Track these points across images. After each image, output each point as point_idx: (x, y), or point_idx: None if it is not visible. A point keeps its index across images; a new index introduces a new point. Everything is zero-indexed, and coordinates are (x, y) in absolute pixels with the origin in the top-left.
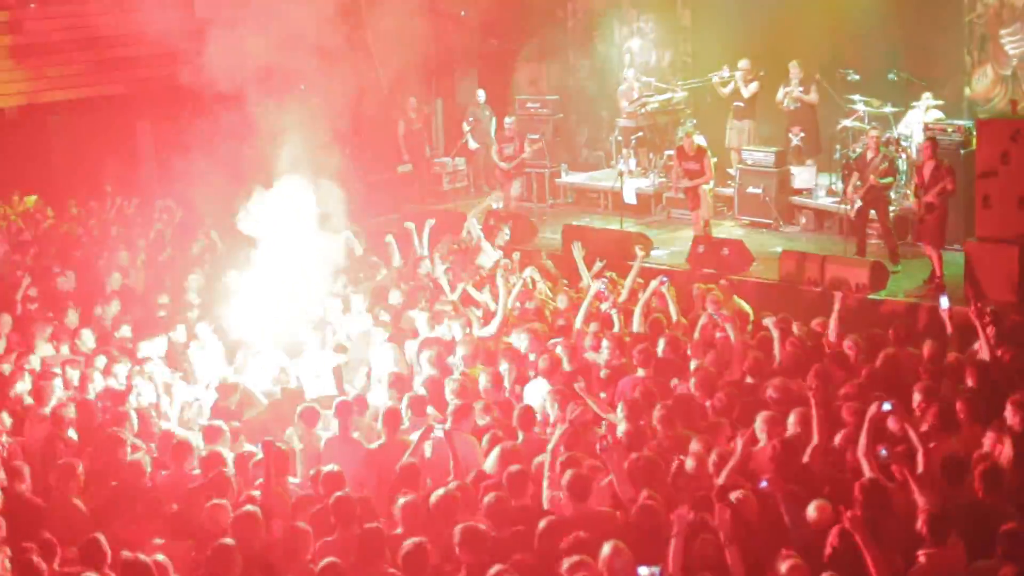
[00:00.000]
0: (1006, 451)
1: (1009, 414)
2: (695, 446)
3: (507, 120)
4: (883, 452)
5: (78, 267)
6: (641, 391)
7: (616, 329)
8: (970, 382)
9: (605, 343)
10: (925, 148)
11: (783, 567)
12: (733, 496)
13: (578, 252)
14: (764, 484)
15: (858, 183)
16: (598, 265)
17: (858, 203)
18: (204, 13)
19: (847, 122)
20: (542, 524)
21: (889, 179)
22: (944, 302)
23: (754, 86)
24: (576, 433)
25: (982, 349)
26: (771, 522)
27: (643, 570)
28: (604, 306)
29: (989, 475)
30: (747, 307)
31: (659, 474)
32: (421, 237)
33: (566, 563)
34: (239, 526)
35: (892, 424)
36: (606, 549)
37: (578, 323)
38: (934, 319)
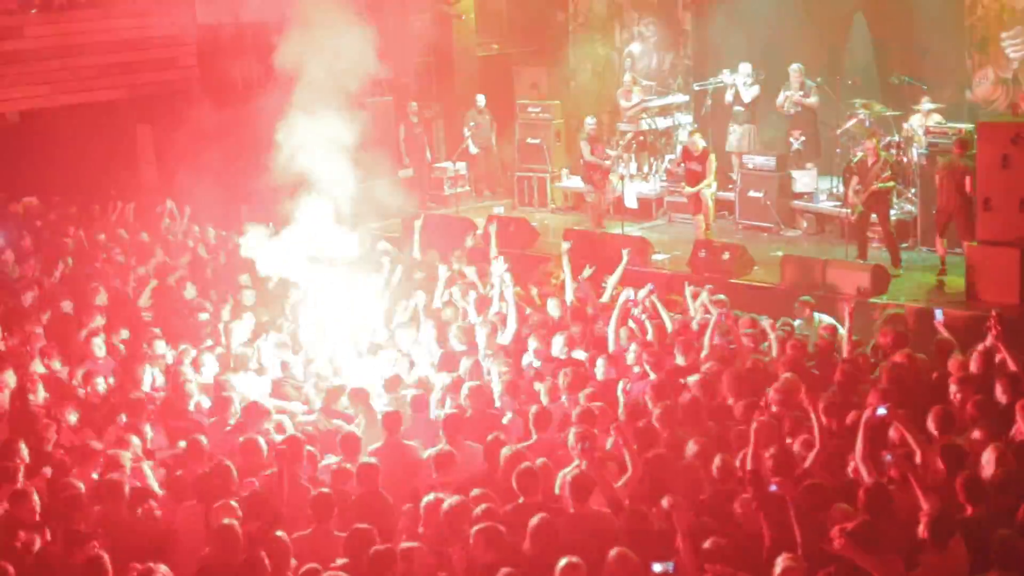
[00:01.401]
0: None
1: (1019, 420)
2: (692, 448)
3: (588, 120)
4: (888, 457)
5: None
6: (651, 393)
7: (651, 336)
8: (1003, 398)
9: (633, 347)
10: (955, 148)
11: (779, 568)
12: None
13: (565, 251)
14: (774, 488)
15: (858, 187)
16: (588, 271)
17: (859, 208)
18: (206, 18)
19: (848, 125)
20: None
21: (891, 183)
22: (939, 315)
23: (755, 90)
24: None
25: (1005, 360)
26: (778, 524)
27: (657, 566)
28: (636, 311)
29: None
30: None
31: (662, 476)
32: (412, 239)
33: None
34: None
35: (893, 432)
36: (612, 555)
37: (611, 330)
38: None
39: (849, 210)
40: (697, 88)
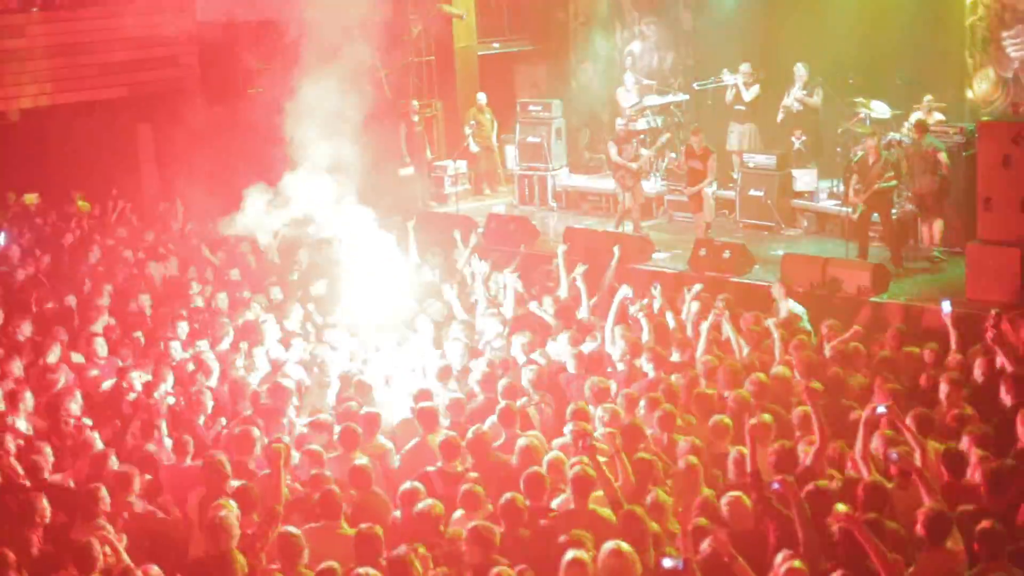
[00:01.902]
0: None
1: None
2: (684, 446)
3: (619, 121)
4: (894, 455)
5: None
6: (645, 390)
7: (645, 333)
8: (1009, 399)
9: (623, 346)
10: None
11: (783, 568)
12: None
13: (561, 253)
14: (776, 485)
15: (858, 186)
16: (581, 268)
17: (860, 207)
18: (206, 17)
19: (849, 125)
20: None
21: (893, 182)
22: (946, 307)
23: (755, 89)
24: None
25: (1005, 361)
26: (779, 523)
27: (667, 562)
28: (632, 309)
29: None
30: (799, 309)
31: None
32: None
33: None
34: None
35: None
36: (607, 549)
37: (608, 328)
38: (936, 321)
39: (850, 209)
40: (698, 87)
